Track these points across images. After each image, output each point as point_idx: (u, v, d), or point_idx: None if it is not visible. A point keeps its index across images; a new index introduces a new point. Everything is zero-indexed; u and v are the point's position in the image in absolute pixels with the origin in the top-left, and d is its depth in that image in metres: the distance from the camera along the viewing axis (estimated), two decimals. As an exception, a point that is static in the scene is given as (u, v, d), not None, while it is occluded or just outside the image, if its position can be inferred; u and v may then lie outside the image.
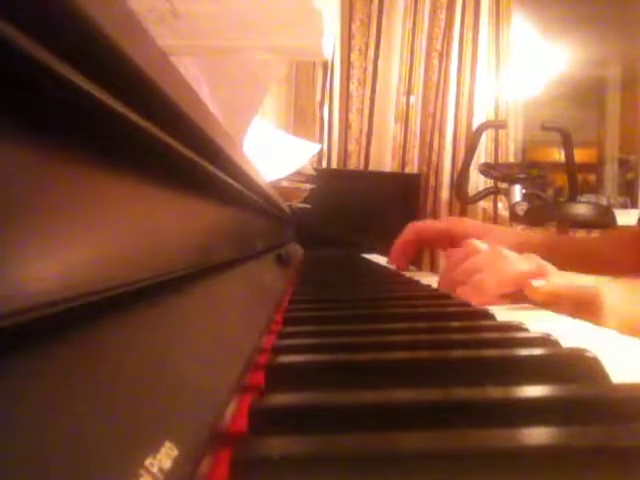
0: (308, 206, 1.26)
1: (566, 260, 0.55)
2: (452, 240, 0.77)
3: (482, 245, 0.57)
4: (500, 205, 2.44)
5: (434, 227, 0.85)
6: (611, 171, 3.13)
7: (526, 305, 0.50)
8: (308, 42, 0.47)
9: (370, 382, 0.23)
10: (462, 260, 0.56)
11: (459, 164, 2.33)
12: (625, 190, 3.09)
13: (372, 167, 2.39)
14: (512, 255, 0.53)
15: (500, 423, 0.18)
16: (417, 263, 0.86)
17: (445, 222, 0.88)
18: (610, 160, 3.14)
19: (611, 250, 0.76)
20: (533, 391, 0.21)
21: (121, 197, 0.17)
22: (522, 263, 0.51)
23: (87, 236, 0.15)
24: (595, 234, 2.34)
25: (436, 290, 0.56)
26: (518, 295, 0.50)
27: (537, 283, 0.48)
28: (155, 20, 0.42)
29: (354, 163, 2.40)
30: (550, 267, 0.52)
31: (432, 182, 2.43)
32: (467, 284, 0.52)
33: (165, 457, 0.12)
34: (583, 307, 0.46)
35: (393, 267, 0.87)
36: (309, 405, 0.19)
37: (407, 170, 2.43)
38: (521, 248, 0.56)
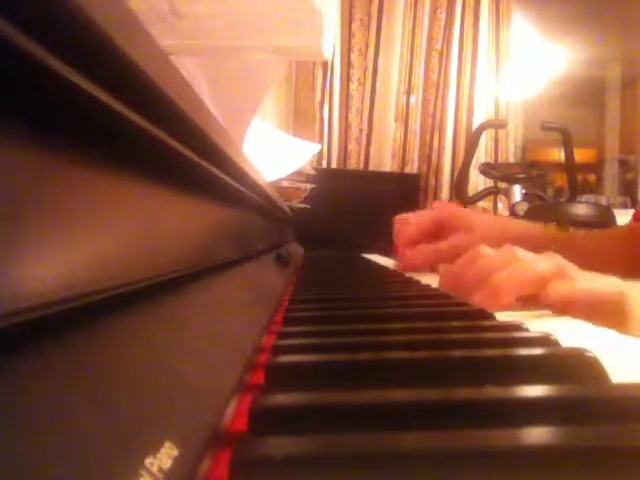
0: (308, 206, 1.26)
1: (571, 257, 0.50)
2: (445, 228, 0.76)
3: (488, 250, 0.52)
4: (500, 205, 2.44)
5: (425, 221, 0.81)
6: (611, 171, 3.13)
7: (539, 311, 0.48)
8: (308, 42, 0.47)
9: (370, 382, 0.23)
10: (468, 264, 0.52)
11: (459, 164, 2.33)
12: (625, 190, 3.09)
13: (372, 167, 2.39)
14: (529, 255, 0.48)
15: (500, 423, 0.18)
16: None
17: (433, 211, 0.84)
18: (610, 160, 3.14)
19: (619, 247, 0.74)
20: (533, 391, 0.21)
21: (121, 197, 0.17)
22: (541, 263, 0.47)
23: (87, 236, 0.15)
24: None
25: (436, 290, 0.56)
26: (534, 298, 0.46)
27: (553, 288, 0.44)
28: (155, 20, 0.42)
29: (354, 163, 2.40)
30: (571, 267, 0.47)
31: (432, 182, 2.43)
32: (482, 288, 0.47)
33: (165, 457, 0.12)
34: (605, 314, 0.42)
35: (403, 271, 0.86)
36: (309, 405, 0.19)
37: (407, 170, 2.43)
38: (521, 242, 0.51)
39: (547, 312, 0.46)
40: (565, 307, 0.44)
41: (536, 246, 0.51)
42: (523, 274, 0.46)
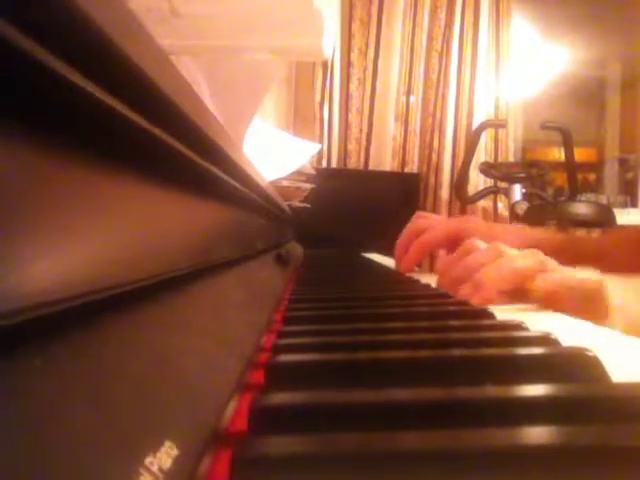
0: (308, 206, 1.26)
1: (577, 261, 0.53)
2: (459, 242, 0.75)
3: (481, 244, 0.56)
4: (500, 205, 2.44)
5: (439, 235, 0.80)
6: (611, 171, 3.13)
7: (527, 305, 0.49)
8: (308, 42, 0.47)
9: (370, 381, 0.23)
10: (460, 258, 0.55)
11: (459, 164, 2.33)
12: (625, 190, 3.09)
13: (372, 167, 2.39)
14: (512, 251, 0.52)
15: (500, 423, 0.18)
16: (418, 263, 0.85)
17: (450, 225, 0.82)
18: (610, 160, 3.14)
19: (622, 250, 0.74)
20: (533, 390, 0.21)
21: (121, 197, 0.17)
22: (523, 259, 0.50)
23: (87, 236, 0.15)
24: (595, 233, 2.35)
25: (436, 289, 0.56)
26: (520, 293, 0.49)
27: (537, 280, 0.48)
28: (155, 20, 0.42)
29: (354, 163, 2.40)
30: (552, 262, 0.50)
31: (432, 182, 2.43)
32: (467, 282, 0.50)
33: (165, 456, 0.12)
34: (586, 304, 0.45)
35: (398, 269, 0.85)
36: (309, 404, 0.19)
37: (407, 170, 2.43)
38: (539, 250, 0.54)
39: (530, 306, 0.49)
40: (549, 298, 0.47)
41: (552, 252, 0.53)
42: (505, 269, 0.50)
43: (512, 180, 2.14)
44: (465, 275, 0.52)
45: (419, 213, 0.89)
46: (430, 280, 0.62)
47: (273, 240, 0.71)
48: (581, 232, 2.22)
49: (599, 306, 0.45)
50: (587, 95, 3.16)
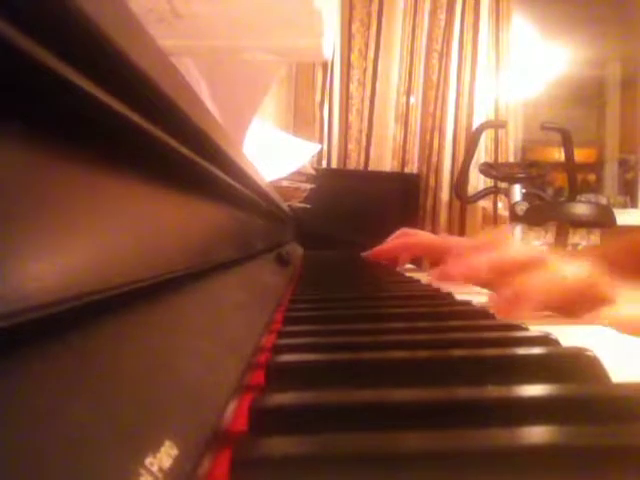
0: (308, 206, 1.27)
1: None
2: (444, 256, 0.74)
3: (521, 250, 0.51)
4: (500, 205, 2.44)
5: (427, 246, 0.79)
6: (611, 171, 3.13)
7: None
8: (308, 42, 0.47)
9: (370, 382, 0.23)
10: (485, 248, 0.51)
11: (459, 164, 2.33)
12: (625, 190, 3.09)
13: (372, 167, 2.39)
14: (560, 261, 0.47)
15: (500, 423, 0.18)
16: (417, 263, 0.85)
17: (440, 241, 0.79)
18: (610, 160, 3.14)
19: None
20: (533, 391, 0.21)
21: (121, 197, 0.17)
22: (574, 272, 0.45)
23: (87, 236, 0.15)
24: (595, 234, 2.35)
25: (436, 290, 0.56)
26: (562, 307, 0.45)
27: (606, 313, 0.43)
28: (155, 20, 0.42)
29: (354, 163, 2.40)
30: (603, 277, 0.45)
31: (432, 182, 2.43)
32: (507, 291, 0.44)
33: (165, 456, 0.12)
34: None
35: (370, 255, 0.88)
36: (309, 405, 0.19)
37: (407, 170, 2.43)
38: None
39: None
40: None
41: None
42: (552, 283, 0.44)
43: (512, 180, 2.14)
44: (501, 278, 0.46)
45: (403, 230, 0.88)
46: (430, 280, 0.62)
47: (273, 240, 0.71)
48: (581, 232, 2.22)
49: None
50: (587, 95, 3.16)
